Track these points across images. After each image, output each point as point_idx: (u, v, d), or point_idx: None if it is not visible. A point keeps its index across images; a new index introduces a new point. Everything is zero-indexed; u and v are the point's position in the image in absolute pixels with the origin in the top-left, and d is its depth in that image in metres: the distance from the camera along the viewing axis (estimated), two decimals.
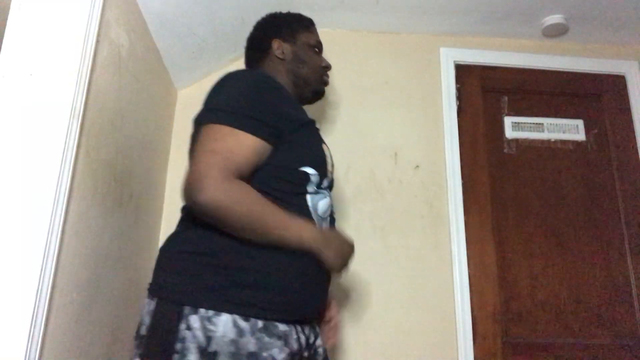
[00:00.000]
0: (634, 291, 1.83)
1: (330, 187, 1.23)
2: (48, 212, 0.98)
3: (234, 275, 0.98)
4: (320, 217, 1.14)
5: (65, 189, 1.03)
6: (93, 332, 1.21)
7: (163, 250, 1.08)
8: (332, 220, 1.25)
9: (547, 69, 2.07)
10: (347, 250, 1.11)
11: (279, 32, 1.37)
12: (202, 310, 0.93)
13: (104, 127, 1.24)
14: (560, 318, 1.79)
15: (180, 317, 0.94)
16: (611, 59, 2.10)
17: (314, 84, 1.36)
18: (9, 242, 0.94)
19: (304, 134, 1.15)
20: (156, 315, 0.97)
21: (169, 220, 1.78)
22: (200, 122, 1.06)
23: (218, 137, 1.01)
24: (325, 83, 1.41)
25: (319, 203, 1.13)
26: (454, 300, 1.75)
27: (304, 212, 1.09)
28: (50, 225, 0.98)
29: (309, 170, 1.11)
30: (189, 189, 0.97)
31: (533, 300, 1.80)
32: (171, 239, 1.10)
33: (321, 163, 1.16)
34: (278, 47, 1.34)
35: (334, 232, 1.14)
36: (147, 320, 0.98)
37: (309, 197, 1.11)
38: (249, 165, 1.03)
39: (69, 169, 1.04)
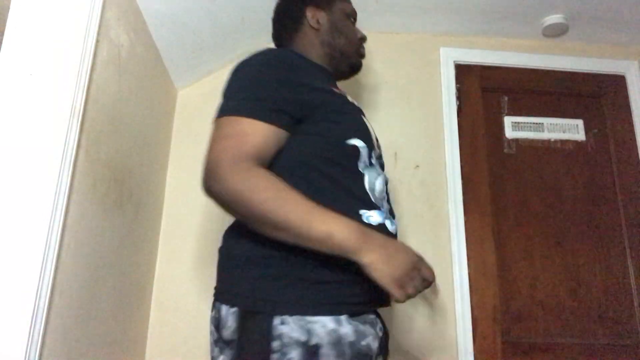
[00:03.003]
0: (634, 291, 1.83)
1: (381, 165, 1.11)
2: (48, 212, 0.98)
3: (318, 277, 0.91)
4: (378, 197, 1.01)
5: (65, 189, 1.02)
6: (93, 332, 1.21)
7: (229, 249, 1.00)
8: (389, 204, 1.08)
9: (547, 68, 2.07)
10: (405, 261, 0.86)
11: None
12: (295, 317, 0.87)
13: (104, 127, 1.24)
14: (560, 318, 1.79)
15: (272, 319, 0.87)
16: (611, 59, 2.10)
17: (352, 56, 1.26)
18: (9, 242, 0.94)
19: (338, 103, 1.05)
20: (244, 322, 0.90)
21: (169, 220, 1.78)
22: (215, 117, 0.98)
23: (227, 126, 0.95)
24: (362, 55, 1.31)
25: (375, 182, 1.01)
26: (454, 300, 1.75)
27: (362, 194, 0.98)
28: (50, 225, 0.98)
29: (357, 142, 1.01)
30: (204, 179, 0.91)
31: (533, 300, 1.80)
32: (234, 237, 1.00)
33: (365, 132, 1.04)
34: (313, 16, 1.23)
35: (387, 238, 0.90)
36: (230, 323, 0.91)
37: (366, 176, 1.00)
38: (265, 153, 0.94)
39: (69, 168, 1.04)
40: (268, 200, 0.86)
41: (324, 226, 0.85)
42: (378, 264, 0.84)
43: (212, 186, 0.90)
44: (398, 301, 0.85)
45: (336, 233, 0.85)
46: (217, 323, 0.96)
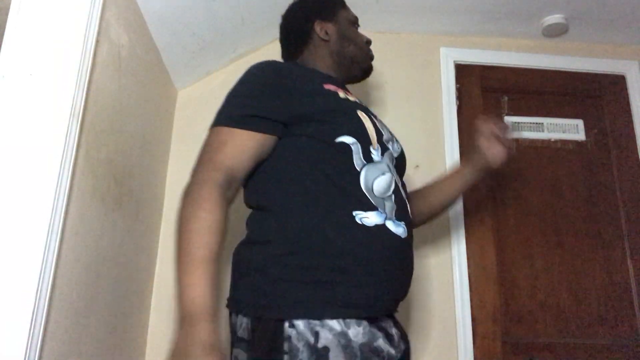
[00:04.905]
0: (634, 291, 1.83)
1: (394, 162, 1.11)
2: (48, 212, 0.98)
3: (325, 279, 0.92)
4: (377, 197, 1.00)
5: (65, 189, 1.02)
6: (93, 332, 1.21)
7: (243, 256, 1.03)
8: (401, 204, 1.05)
9: (547, 69, 2.07)
10: (192, 353, 0.84)
11: (319, 12, 1.29)
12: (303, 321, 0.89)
13: (104, 127, 1.24)
14: (560, 318, 1.79)
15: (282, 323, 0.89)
16: (611, 59, 2.10)
17: (362, 61, 1.30)
18: (9, 242, 0.94)
19: (328, 103, 1.06)
20: (255, 327, 0.93)
21: (169, 220, 1.78)
22: None
23: (209, 137, 1.04)
24: (372, 58, 1.34)
25: (374, 181, 1.00)
26: (454, 300, 1.75)
27: (358, 194, 0.98)
28: (50, 225, 0.97)
29: (346, 139, 1.01)
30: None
31: (533, 300, 1.80)
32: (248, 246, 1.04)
33: (358, 128, 1.04)
34: (321, 28, 1.27)
35: (203, 330, 0.86)
36: (244, 327, 0.94)
37: (362, 175, 1.00)
38: (242, 160, 1.00)
39: (69, 169, 1.04)
40: (184, 236, 0.96)
41: (184, 285, 0.91)
42: (176, 349, 0.86)
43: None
44: None
45: (184, 302, 0.90)
46: (232, 328, 1.00)
